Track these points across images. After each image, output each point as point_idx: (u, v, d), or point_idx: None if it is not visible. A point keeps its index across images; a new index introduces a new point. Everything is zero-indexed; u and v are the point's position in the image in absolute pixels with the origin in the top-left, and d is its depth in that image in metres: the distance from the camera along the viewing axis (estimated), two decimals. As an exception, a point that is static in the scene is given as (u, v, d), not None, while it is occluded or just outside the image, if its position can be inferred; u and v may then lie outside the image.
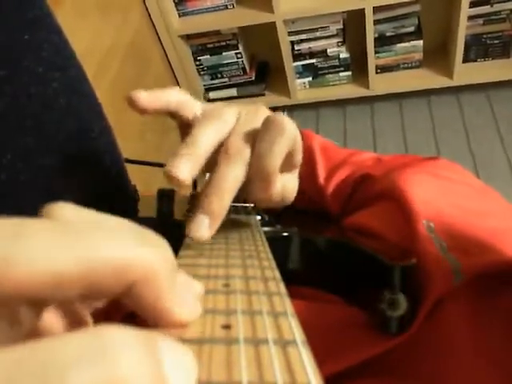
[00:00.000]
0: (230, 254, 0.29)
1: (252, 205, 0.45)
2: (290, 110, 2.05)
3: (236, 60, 1.93)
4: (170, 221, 0.45)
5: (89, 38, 1.26)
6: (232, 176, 0.32)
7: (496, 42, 1.79)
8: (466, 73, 1.81)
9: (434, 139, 1.80)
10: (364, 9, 1.64)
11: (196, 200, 0.34)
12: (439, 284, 0.32)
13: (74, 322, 0.18)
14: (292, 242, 0.40)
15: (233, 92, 2.02)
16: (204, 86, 2.02)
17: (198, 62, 1.94)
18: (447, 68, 1.85)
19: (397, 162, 0.50)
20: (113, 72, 1.37)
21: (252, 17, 1.73)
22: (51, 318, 0.17)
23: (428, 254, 0.34)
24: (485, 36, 1.78)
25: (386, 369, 0.31)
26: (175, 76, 1.91)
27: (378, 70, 1.89)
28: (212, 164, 0.34)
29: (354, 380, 0.30)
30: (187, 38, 1.86)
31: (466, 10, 1.62)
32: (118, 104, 1.34)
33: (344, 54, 1.87)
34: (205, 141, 0.33)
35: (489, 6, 1.71)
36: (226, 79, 1.99)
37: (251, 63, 2.00)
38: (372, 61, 1.81)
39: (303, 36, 1.83)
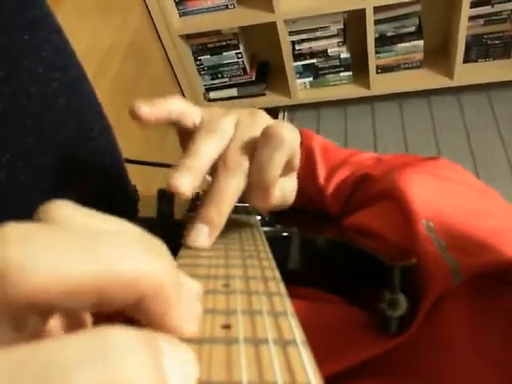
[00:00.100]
0: (230, 254, 0.29)
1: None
2: (291, 110, 2.05)
3: (236, 60, 1.93)
4: (169, 221, 0.45)
5: (89, 38, 1.26)
6: (231, 187, 0.33)
7: (497, 42, 1.79)
8: (466, 73, 1.81)
9: (435, 139, 1.80)
10: (365, 9, 1.64)
11: (196, 208, 0.34)
12: (438, 283, 0.32)
13: (73, 321, 0.18)
14: (292, 242, 0.40)
15: (233, 92, 2.02)
16: (204, 85, 2.02)
17: (198, 62, 1.94)
18: (448, 68, 1.85)
19: (397, 161, 0.50)
20: (113, 72, 1.37)
21: (252, 16, 1.73)
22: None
23: (427, 253, 0.34)
24: (485, 36, 1.78)
25: (386, 369, 0.31)
26: (175, 76, 1.91)
27: (379, 70, 1.89)
28: (213, 169, 0.34)
29: (354, 380, 0.30)
30: (187, 37, 1.86)
31: (466, 11, 1.62)
32: (118, 104, 1.35)
33: (344, 54, 1.87)
34: (205, 154, 0.33)
35: (489, 7, 1.71)
36: (227, 79, 1.99)
37: (252, 63, 2.00)
38: (372, 61, 1.81)
39: (304, 36, 1.83)
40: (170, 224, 0.45)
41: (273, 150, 0.32)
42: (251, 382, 0.14)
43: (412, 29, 1.81)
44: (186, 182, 0.32)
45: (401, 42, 1.83)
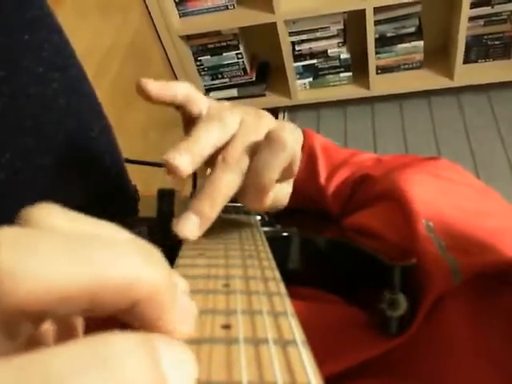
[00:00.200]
0: (230, 254, 0.29)
1: None
2: (291, 110, 2.05)
3: (237, 60, 1.93)
4: (169, 221, 0.45)
5: (89, 38, 1.26)
6: (226, 181, 0.33)
7: (497, 42, 1.79)
8: (466, 74, 1.81)
9: (435, 140, 1.80)
10: (365, 9, 1.64)
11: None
12: (438, 283, 0.32)
13: (64, 326, 0.18)
14: (292, 242, 0.40)
15: (233, 92, 2.02)
16: (204, 86, 2.01)
17: (198, 63, 1.94)
18: (448, 69, 1.85)
19: (397, 162, 0.50)
20: (113, 72, 1.37)
21: (253, 17, 1.73)
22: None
23: (427, 253, 0.34)
24: (485, 37, 1.78)
25: (386, 369, 0.31)
26: (176, 76, 1.91)
27: (379, 71, 1.89)
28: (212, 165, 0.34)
29: (355, 380, 0.30)
30: (188, 38, 1.86)
31: (466, 11, 1.62)
32: (118, 104, 1.35)
33: (344, 55, 1.87)
34: (205, 140, 0.33)
35: (489, 7, 1.71)
36: (227, 80, 1.99)
37: (252, 64, 2.00)
38: (372, 61, 1.81)
39: (304, 36, 1.83)
40: (170, 224, 0.45)
41: (273, 154, 0.32)
42: (251, 382, 0.14)
43: (412, 29, 1.81)
44: (183, 161, 0.32)
45: (401, 43, 1.83)
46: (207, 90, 2.02)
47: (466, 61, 1.81)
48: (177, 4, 1.78)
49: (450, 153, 1.72)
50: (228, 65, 1.94)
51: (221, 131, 0.35)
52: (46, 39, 0.47)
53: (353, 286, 0.38)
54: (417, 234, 0.35)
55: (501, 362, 0.28)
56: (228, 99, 2.02)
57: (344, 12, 1.74)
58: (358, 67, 1.90)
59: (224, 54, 1.91)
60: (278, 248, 0.33)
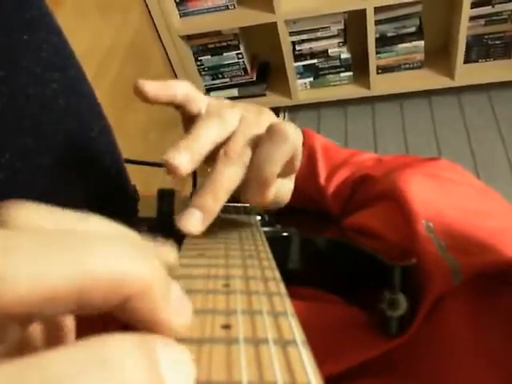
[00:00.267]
0: (230, 253, 0.29)
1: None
2: (291, 110, 2.05)
3: (237, 60, 1.93)
4: (169, 221, 0.45)
5: (89, 39, 1.26)
6: (229, 175, 0.33)
7: (497, 42, 1.79)
8: (467, 73, 1.81)
9: (435, 140, 1.80)
10: (365, 9, 1.64)
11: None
12: (438, 284, 0.32)
13: (52, 325, 0.18)
14: (292, 242, 0.40)
15: (234, 92, 2.02)
16: (205, 86, 2.02)
17: (198, 63, 1.94)
18: (448, 68, 1.85)
19: (397, 162, 0.50)
20: (113, 72, 1.37)
21: (253, 17, 1.73)
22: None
23: (427, 253, 0.34)
24: (486, 37, 1.78)
25: (386, 369, 0.31)
26: (176, 76, 1.91)
27: (379, 71, 1.89)
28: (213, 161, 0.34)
29: (355, 380, 0.30)
30: (188, 38, 1.86)
31: (467, 11, 1.62)
32: (118, 104, 1.35)
33: (345, 55, 1.87)
34: (205, 137, 0.33)
35: (490, 7, 1.71)
36: (227, 79, 1.99)
37: (252, 63, 2.00)
38: (373, 61, 1.81)
39: (304, 36, 1.83)
40: (170, 224, 0.45)
41: (275, 146, 0.32)
42: (251, 382, 0.14)
43: (412, 29, 1.81)
44: (183, 160, 0.31)
45: (401, 43, 1.83)
46: (208, 90, 2.02)
47: (467, 60, 1.81)
48: (177, 4, 1.78)
49: (451, 153, 1.72)
50: (228, 65, 1.94)
51: (220, 127, 0.35)
52: (45, 39, 0.47)
53: (353, 286, 0.38)
54: (417, 234, 0.35)
55: (501, 362, 0.28)
56: (228, 99, 2.02)
57: (344, 12, 1.74)
58: (358, 67, 1.90)
59: (224, 54, 1.91)
60: (278, 248, 0.33)
